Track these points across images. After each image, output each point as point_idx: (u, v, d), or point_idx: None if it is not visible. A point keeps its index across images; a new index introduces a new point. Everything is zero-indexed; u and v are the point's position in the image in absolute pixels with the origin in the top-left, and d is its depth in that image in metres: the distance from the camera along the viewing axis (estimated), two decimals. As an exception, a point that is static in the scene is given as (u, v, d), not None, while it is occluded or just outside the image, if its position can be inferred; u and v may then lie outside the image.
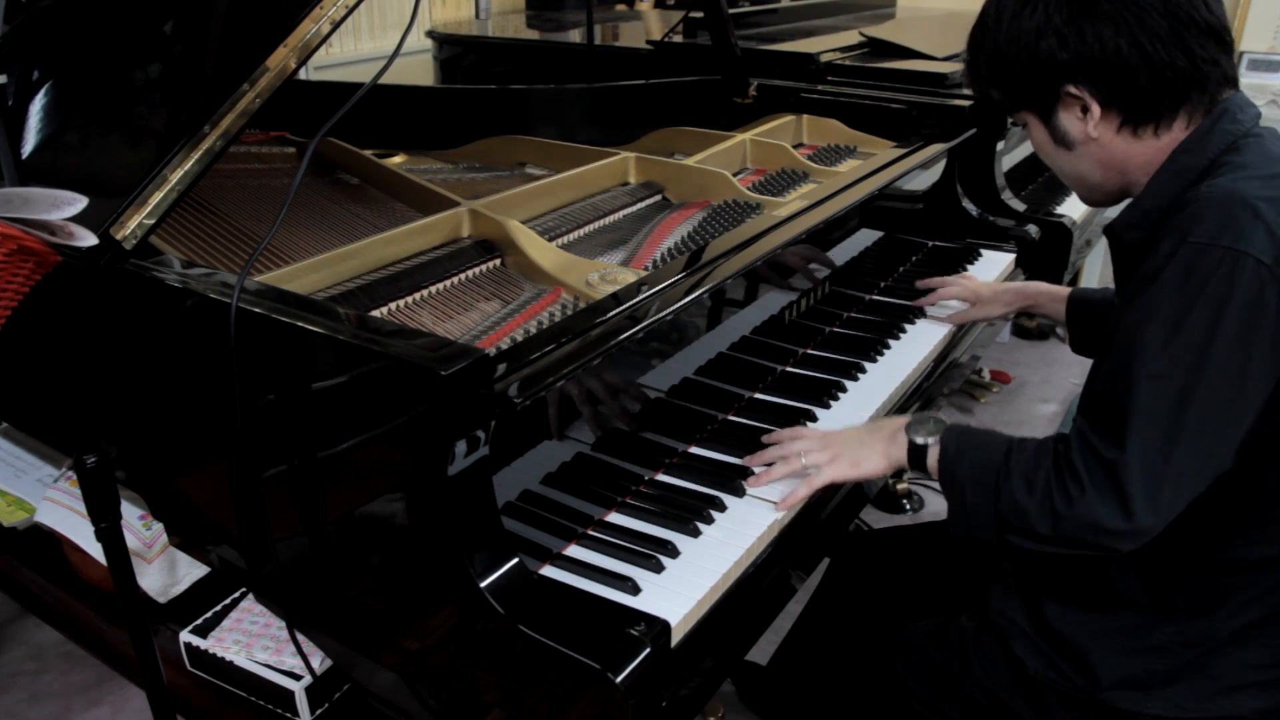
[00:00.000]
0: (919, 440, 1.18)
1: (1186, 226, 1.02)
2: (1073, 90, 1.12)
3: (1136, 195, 1.18)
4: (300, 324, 1.03)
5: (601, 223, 1.70)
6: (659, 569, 1.08)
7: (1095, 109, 1.12)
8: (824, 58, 2.42)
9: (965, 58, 1.24)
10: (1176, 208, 1.08)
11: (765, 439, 1.30)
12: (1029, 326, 3.65)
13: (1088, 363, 1.27)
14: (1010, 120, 1.27)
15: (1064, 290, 1.64)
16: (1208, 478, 1.03)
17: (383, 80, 1.15)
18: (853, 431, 1.27)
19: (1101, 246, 2.95)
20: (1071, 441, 1.06)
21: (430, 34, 3.27)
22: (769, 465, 1.26)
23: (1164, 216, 1.11)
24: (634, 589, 1.05)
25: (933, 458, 1.17)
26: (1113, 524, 1.01)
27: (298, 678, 1.31)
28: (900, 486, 2.68)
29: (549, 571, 1.09)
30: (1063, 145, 1.19)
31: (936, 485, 1.18)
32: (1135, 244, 1.17)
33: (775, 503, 1.21)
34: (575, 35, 3.26)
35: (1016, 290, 1.71)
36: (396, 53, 1.17)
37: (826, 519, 1.28)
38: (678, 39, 2.74)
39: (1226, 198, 1.02)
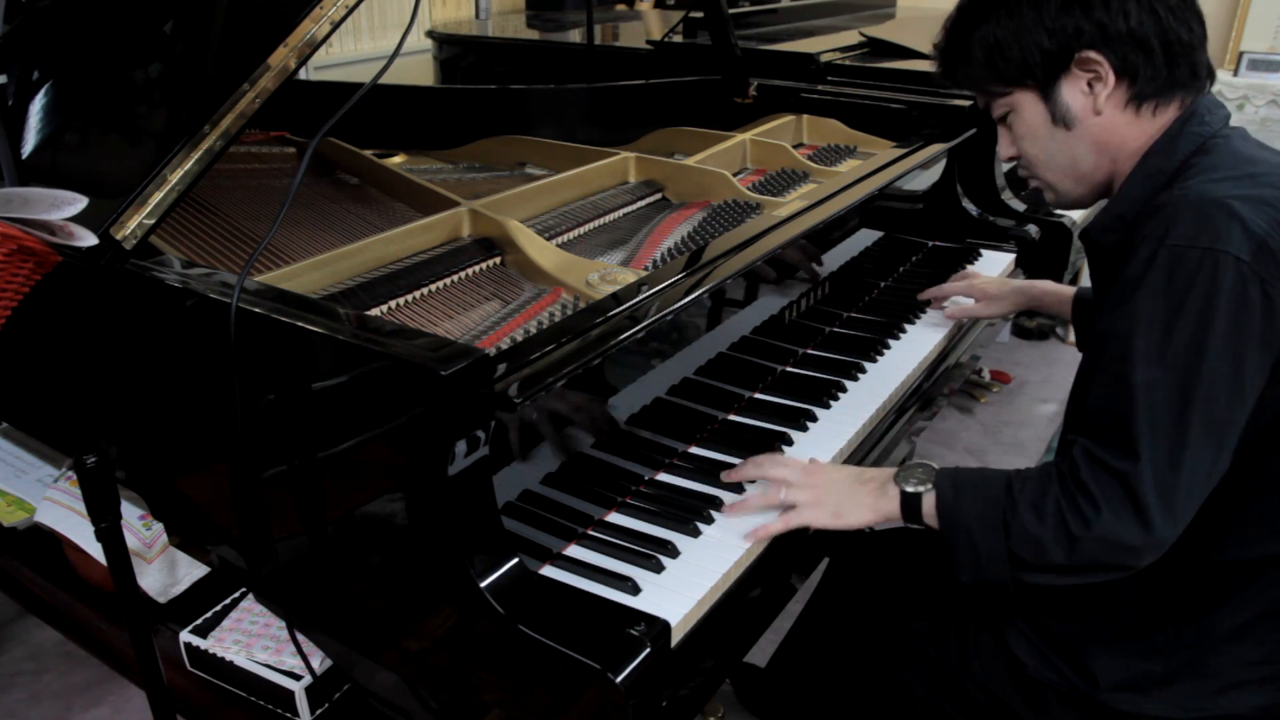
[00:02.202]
0: (910, 489, 1.14)
1: (1163, 230, 1.02)
2: (1093, 56, 1.11)
3: (1111, 199, 1.18)
4: (300, 324, 1.03)
5: (601, 223, 1.70)
6: (659, 569, 1.09)
7: (1110, 78, 1.12)
8: (824, 58, 2.42)
9: (941, 42, 1.23)
10: (1149, 212, 1.08)
11: (744, 461, 1.24)
12: (1029, 326, 3.65)
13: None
14: (1001, 120, 1.25)
15: (1069, 290, 1.64)
16: (1215, 479, 1.03)
17: (383, 80, 1.15)
18: (838, 476, 1.21)
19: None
20: (1078, 461, 1.04)
21: (430, 34, 3.27)
22: (745, 488, 1.23)
23: (1137, 220, 1.11)
24: (634, 589, 1.05)
25: (929, 505, 1.12)
26: (1133, 539, 1.00)
27: (298, 678, 1.31)
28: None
29: (549, 571, 1.09)
30: (1061, 124, 1.17)
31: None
32: (1110, 247, 1.17)
33: (745, 535, 1.15)
34: (575, 35, 3.26)
35: (1022, 289, 1.71)
36: (396, 53, 1.17)
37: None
38: (678, 39, 2.74)
39: (1200, 198, 1.02)
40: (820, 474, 1.20)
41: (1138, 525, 1.00)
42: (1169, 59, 1.11)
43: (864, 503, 1.17)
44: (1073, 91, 1.15)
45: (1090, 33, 1.11)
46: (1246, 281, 0.98)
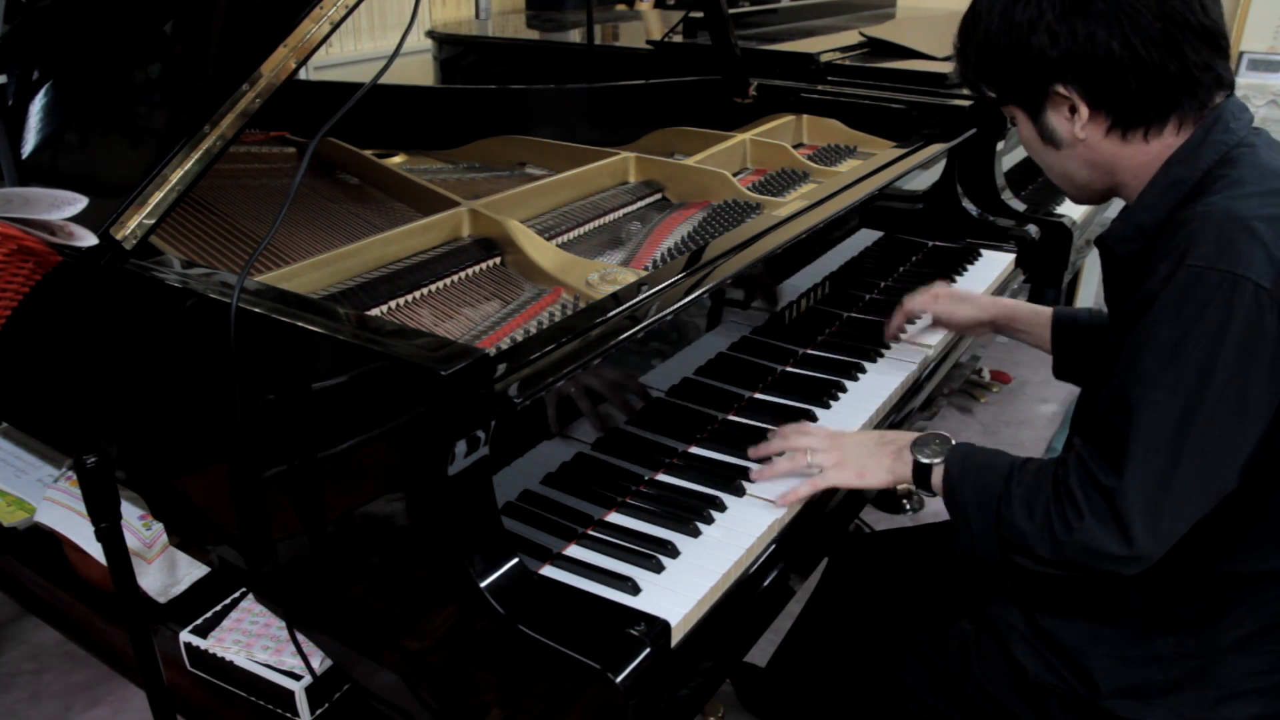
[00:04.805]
0: (923, 459, 1.17)
1: (1183, 249, 1.00)
2: (1061, 90, 1.10)
3: (1130, 206, 1.16)
4: (300, 324, 1.03)
5: (601, 222, 1.70)
6: (659, 569, 1.08)
7: (1083, 110, 1.11)
8: (824, 58, 2.42)
9: (955, 46, 1.23)
10: (1172, 226, 1.06)
11: (770, 434, 1.30)
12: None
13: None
14: (1011, 121, 1.27)
15: (1045, 311, 1.54)
16: (1210, 501, 1.02)
17: (383, 80, 1.15)
18: (860, 439, 1.26)
19: (1101, 246, 2.95)
20: (1069, 466, 1.05)
21: (430, 34, 3.27)
22: (773, 458, 1.25)
23: (1159, 233, 1.09)
24: (634, 589, 1.05)
25: (937, 477, 1.17)
26: (1113, 550, 1.01)
27: (298, 678, 1.31)
28: (901, 487, 2.67)
29: (549, 571, 1.09)
30: (1050, 144, 1.17)
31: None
32: (1128, 258, 1.15)
33: (774, 500, 1.20)
34: (575, 35, 3.26)
35: (990, 313, 1.58)
36: (396, 53, 1.17)
37: (827, 519, 1.27)
38: (678, 39, 2.74)
39: (1224, 218, 1.00)
40: (843, 438, 1.26)
41: (1119, 538, 1.00)
42: (1149, 90, 1.07)
43: (884, 464, 1.22)
44: (1056, 117, 1.14)
45: (1060, 65, 1.09)
46: (1264, 310, 0.96)
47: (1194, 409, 0.98)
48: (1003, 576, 1.33)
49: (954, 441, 1.18)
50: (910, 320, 1.66)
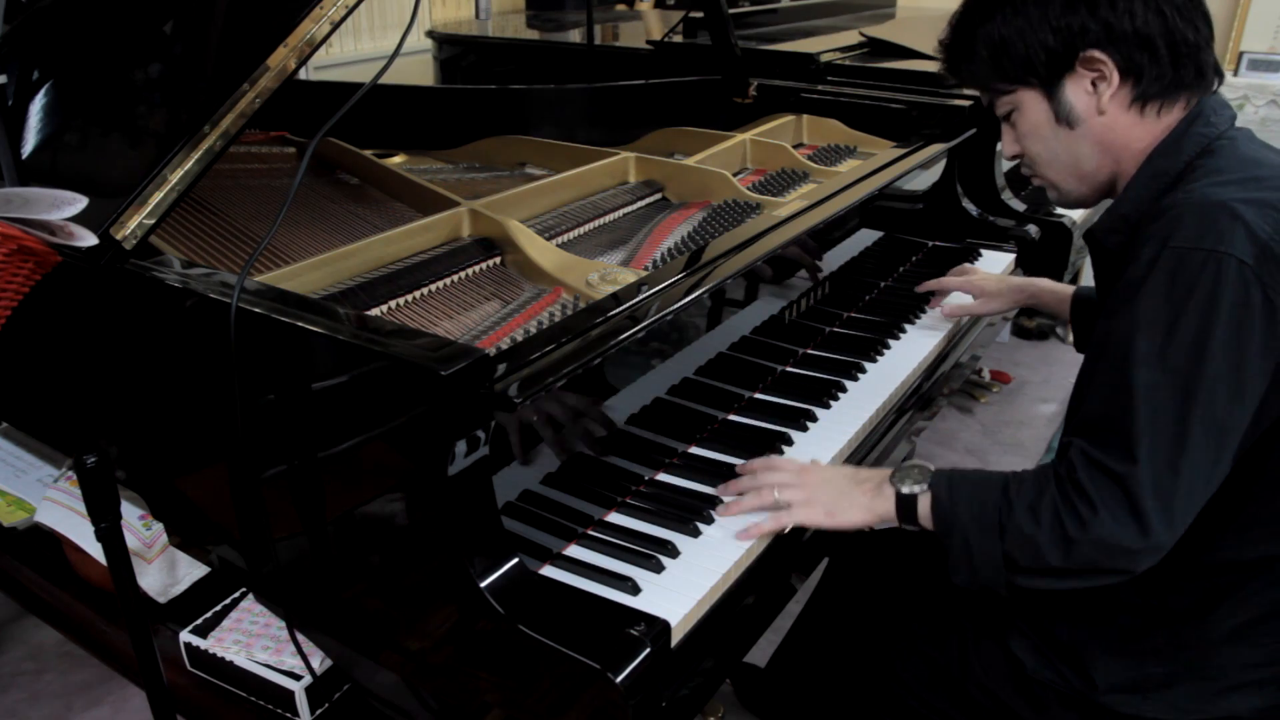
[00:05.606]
0: (906, 490, 1.13)
1: (1167, 232, 1.02)
2: (1097, 55, 1.11)
3: (1115, 199, 1.18)
4: (300, 324, 1.03)
5: (601, 222, 1.70)
6: (659, 569, 1.08)
7: (1114, 77, 1.12)
8: (824, 58, 2.42)
9: (946, 40, 1.23)
10: (1154, 214, 1.08)
11: (739, 469, 1.25)
12: (1029, 326, 3.65)
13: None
14: (1005, 119, 1.25)
15: (1067, 289, 1.64)
16: (1214, 484, 1.02)
17: (383, 80, 1.15)
18: (832, 475, 1.21)
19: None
20: (1075, 462, 1.03)
21: (430, 34, 3.27)
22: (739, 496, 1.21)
23: (1142, 221, 1.11)
24: (634, 589, 1.05)
25: (924, 506, 1.12)
26: (1130, 542, 0.99)
27: (298, 678, 1.31)
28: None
29: (549, 571, 1.09)
30: (1064, 123, 1.17)
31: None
32: (1115, 249, 1.17)
33: (737, 533, 1.14)
34: (575, 35, 3.26)
35: (1020, 286, 1.71)
36: (396, 53, 1.17)
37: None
38: (678, 39, 2.74)
39: (1204, 201, 1.02)
40: (814, 473, 1.21)
41: (1135, 528, 0.99)
42: (1174, 59, 1.10)
43: (859, 503, 1.17)
44: (1076, 91, 1.14)
45: (1095, 32, 1.10)
46: (1249, 285, 0.98)
47: (1194, 387, 0.98)
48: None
49: (933, 468, 1.14)
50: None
